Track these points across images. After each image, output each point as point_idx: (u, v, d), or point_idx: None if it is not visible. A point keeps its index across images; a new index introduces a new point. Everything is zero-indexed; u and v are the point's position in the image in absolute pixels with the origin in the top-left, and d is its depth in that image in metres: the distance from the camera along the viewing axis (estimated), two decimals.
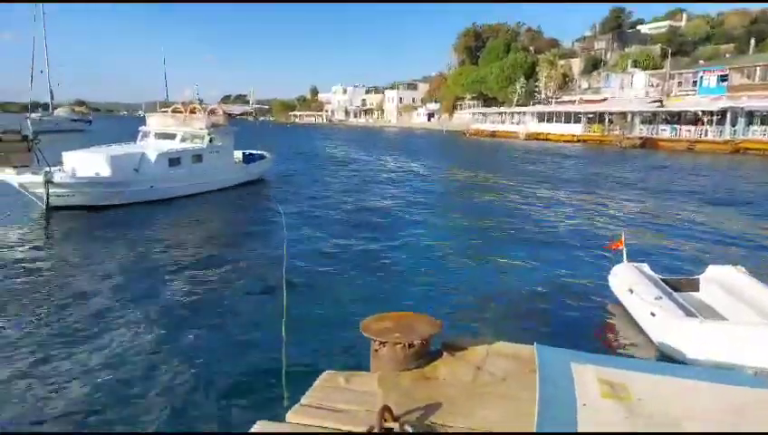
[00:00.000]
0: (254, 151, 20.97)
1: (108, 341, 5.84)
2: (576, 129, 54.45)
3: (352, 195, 17.50)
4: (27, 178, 12.89)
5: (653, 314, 5.75)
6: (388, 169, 26.45)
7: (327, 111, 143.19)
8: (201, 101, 20.37)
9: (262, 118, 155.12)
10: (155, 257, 9.38)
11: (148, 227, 12.27)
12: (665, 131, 45.47)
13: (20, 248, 10.14)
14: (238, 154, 19.82)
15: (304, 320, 6.11)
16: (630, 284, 6.55)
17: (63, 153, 14.63)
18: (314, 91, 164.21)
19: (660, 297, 5.95)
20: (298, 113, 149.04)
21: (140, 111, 19.37)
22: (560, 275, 8.69)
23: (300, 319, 5.80)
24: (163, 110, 19.45)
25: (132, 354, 5.54)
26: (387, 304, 6.39)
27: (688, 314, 5.52)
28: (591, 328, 6.71)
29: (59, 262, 9.19)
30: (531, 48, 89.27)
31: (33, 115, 56.75)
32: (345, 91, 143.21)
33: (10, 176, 12.89)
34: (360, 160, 32.20)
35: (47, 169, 13.08)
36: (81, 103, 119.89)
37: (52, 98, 61.59)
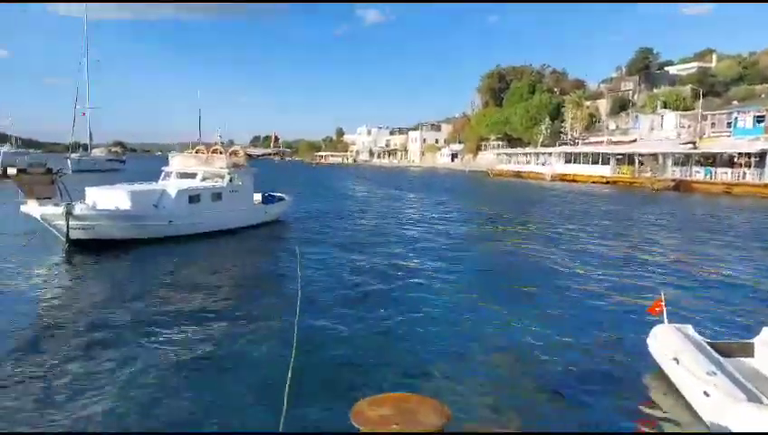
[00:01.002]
0: (273, 193, 21.33)
1: (98, 386, 5.75)
2: (605, 170, 53.05)
3: (371, 237, 16.96)
4: (48, 209, 13.14)
5: (706, 394, 4.95)
6: (409, 211, 25.74)
7: (352, 152, 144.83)
8: (223, 143, 20.80)
9: (288, 158, 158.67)
10: (164, 299, 9.25)
11: (164, 265, 12.29)
12: (699, 173, 43.70)
13: (36, 280, 10.55)
14: (258, 196, 20.06)
15: (310, 382, 5.66)
16: (675, 351, 5.73)
17: (86, 188, 15.07)
18: (340, 133, 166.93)
19: (714, 372, 5.10)
20: (324, 154, 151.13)
21: (173, 152, 19.55)
22: (591, 335, 7.73)
23: (305, 380, 5.50)
24: (188, 151, 19.99)
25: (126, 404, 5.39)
26: (395, 369, 6.42)
27: (749, 395, 4.68)
28: (630, 402, 5.77)
29: (71, 298, 9.47)
30: (556, 89, 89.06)
31: (74, 155, 59.47)
32: (370, 133, 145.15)
33: (33, 208, 13.17)
34: (382, 200, 31.69)
35: (68, 201, 13.35)
36: (119, 144, 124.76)
37: (90, 139, 64.02)
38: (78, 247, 13.29)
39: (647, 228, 19.62)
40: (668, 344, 5.97)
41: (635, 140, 58.23)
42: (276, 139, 27.95)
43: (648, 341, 6.48)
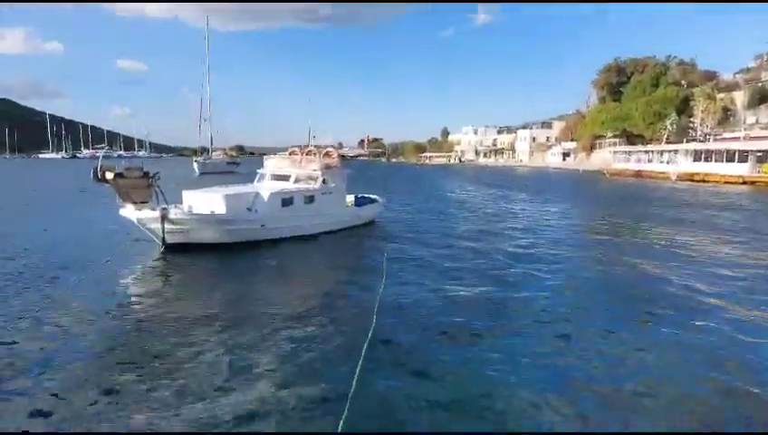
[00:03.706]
0: (366, 194, 20.92)
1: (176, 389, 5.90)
2: (742, 168, 47.67)
3: (471, 246, 15.76)
4: (144, 213, 13.24)
5: None
6: (516, 216, 24.60)
7: (457, 152, 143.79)
8: (334, 146, 20.69)
9: (394, 159, 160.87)
10: (249, 304, 9.28)
11: (253, 270, 12.17)
12: None
13: (129, 282, 10.92)
14: (350, 197, 19.73)
15: (367, 414, 5.43)
16: None
17: (183, 192, 15.17)
18: (445, 133, 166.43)
19: None
20: (429, 154, 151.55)
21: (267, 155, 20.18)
22: (730, 379, 6.41)
23: (363, 411, 5.39)
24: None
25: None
26: (477, 414, 5.51)
27: None
28: None
29: (163, 300, 9.55)
30: (683, 82, 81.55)
31: (198, 159, 65.96)
32: (476, 132, 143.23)
33: (129, 211, 13.34)
34: (486, 203, 30.90)
35: (164, 205, 13.49)
36: (239, 148, 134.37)
37: (211, 143, 70.35)
38: (173, 251, 13.39)
39: None
40: None
41: None
42: (370, 140, 28.01)
43: None
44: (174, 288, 10.66)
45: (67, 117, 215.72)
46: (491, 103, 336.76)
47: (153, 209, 13.31)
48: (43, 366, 6.57)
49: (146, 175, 13.32)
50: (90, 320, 8.36)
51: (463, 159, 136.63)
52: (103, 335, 7.73)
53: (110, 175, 12.72)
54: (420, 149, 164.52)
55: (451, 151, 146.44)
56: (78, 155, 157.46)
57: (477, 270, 12.42)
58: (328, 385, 6.05)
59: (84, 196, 30.11)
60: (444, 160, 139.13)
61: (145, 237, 14.06)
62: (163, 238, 13.47)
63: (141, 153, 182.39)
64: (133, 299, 9.78)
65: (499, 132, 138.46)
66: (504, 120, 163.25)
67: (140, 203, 13.30)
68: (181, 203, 14.85)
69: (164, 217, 13.24)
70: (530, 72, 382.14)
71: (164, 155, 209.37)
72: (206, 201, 14.71)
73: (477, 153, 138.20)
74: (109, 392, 5.89)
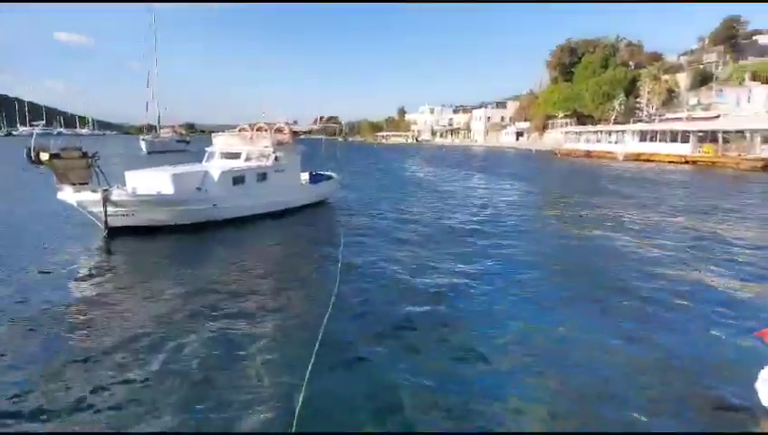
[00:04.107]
0: (321, 171, 20.33)
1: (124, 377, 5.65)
2: (684, 149, 49.82)
3: (428, 223, 15.92)
4: (85, 196, 12.53)
5: None
6: (472, 195, 24.79)
7: (413, 132, 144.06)
8: (287, 123, 19.97)
9: (351, 138, 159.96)
10: (199, 291, 8.84)
11: (204, 252, 11.74)
12: None
13: (71, 269, 10.18)
14: (305, 174, 19.30)
15: (323, 395, 5.38)
16: None
17: (126, 172, 14.32)
18: (402, 112, 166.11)
19: None
20: (386, 133, 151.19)
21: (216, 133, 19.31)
22: (676, 361, 6.33)
23: (318, 394, 5.31)
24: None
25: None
26: (429, 394, 5.45)
27: None
28: None
29: (109, 289, 9.02)
30: (631, 63, 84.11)
31: (146, 137, 63.23)
32: (432, 111, 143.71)
33: (68, 194, 12.56)
34: (442, 182, 31.11)
35: (106, 187, 12.77)
36: (190, 126, 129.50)
37: (159, 121, 67.53)
38: (117, 235, 12.73)
39: (739, 220, 17.35)
40: None
41: (718, 117, 54.24)
42: (325, 120, 27.48)
43: (759, 385, 5.04)
44: (118, 275, 10.07)
45: (3, 92, 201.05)
46: (448, 83, 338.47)
47: (94, 191, 12.61)
48: None
49: (84, 155, 12.56)
50: (26, 314, 7.76)
51: (419, 139, 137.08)
52: (39, 330, 7.17)
53: (44, 156, 11.88)
54: (377, 128, 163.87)
55: (408, 131, 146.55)
56: (14, 133, 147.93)
57: (434, 245, 12.52)
58: (280, 379, 5.81)
59: (25, 176, 28.24)
60: (401, 140, 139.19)
61: (87, 221, 13.30)
62: (105, 222, 12.81)
63: (84, 131, 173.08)
64: (73, 288, 9.17)
65: (455, 112, 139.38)
66: (461, 100, 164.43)
67: (79, 185, 12.56)
68: (124, 184, 14.05)
69: (106, 200, 12.58)
70: (486, 51, 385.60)
71: (108, 132, 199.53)
72: (151, 181, 14.01)
73: (434, 133, 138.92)
74: (48, 386, 5.53)
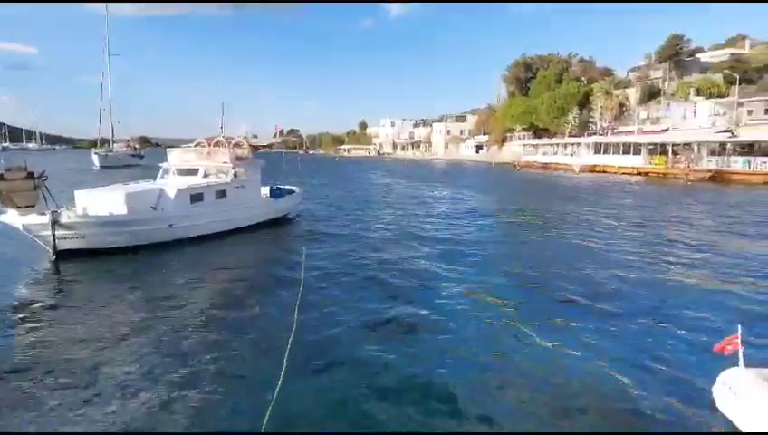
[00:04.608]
0: (281, 186, 19.91)
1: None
2: (636, 160, 51.79)
3: (390, 235, 15.84)
4: (32, 219, 11.74)
5: None
6: (432, 206, 24.87)
7: (375, 145, 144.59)
8: (246, 137, 19.43)
9: (312, 151, 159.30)
10: (159, 318, 8.23)
11: (161, 276, 11.06)
12: (737, 163, 42.32)
13: (17, 297, 9.43)
14: (265, 189, 18.74)
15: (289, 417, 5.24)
16: (758, 407, 4.57)
17: (75, 192, 13.54)
18: (363, 125, 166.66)
19: None
20: (347, 147, 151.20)
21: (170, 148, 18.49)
22: (631, 368, 6.36)
23: (284, 415, 5.20)
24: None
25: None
26: (395, 406, 5.49)
27: None
28: None
29: (60, 323, 8.18)
30: (583, 78, 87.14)
31: (99, 151, 60.77)
32: (393, 125, 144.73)
33: (12, 217, 11.77)
34: (403, 195, 31.11)
35: (54, 209, 11.98)
36: (144, 139, 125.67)
37: (113, 135, 65.15)
38: (67, 258, 11.88)
39: (689, 228, 18.12)
40: (747, 397, 4.72)
41: (667, 130, 56.72)
42: (285, 132, 27.03)
43: (716, 389, 5.17)
44: (64, 302, 9.30)
45: None
46: (409, 97, 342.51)
47: (42, 214, 11.79)
48: None
49: (30, 175, 11.71)
50: None
51: (381, 152, 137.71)
52: None
53: None
54: (339, 141, 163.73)
55: (369, 144, 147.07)
56: None
57: (395, 258, 12.47)
58: (247, 392, 5.79)
59: None
60: (363, 153, 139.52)
61: (33, 245, 12.32)
62: (54, 246, 11.89)
63: (31, 145, 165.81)
64: (18, 319, 8.35)
65: (415, 126, 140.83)
66: (422, 114, 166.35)
67: (26, 208, 11.73)
68: (74, 204, 13.17)
69: (55, 222, 11.73)
70: (446, 65, 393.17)
71: (57, 147, 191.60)
72: (103, 201, 13.20)
73: (395, 146, 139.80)
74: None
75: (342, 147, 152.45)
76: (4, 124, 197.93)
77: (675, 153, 48.62)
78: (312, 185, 34.37)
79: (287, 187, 20.17)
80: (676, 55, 77.19)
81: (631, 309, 8.80)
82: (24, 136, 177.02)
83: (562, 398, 5.75)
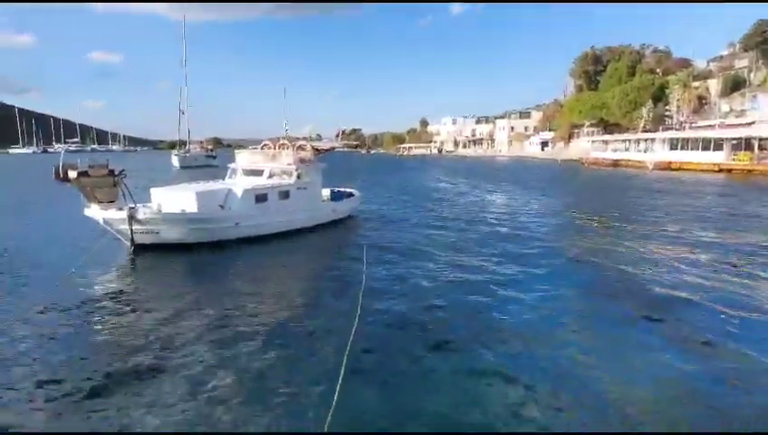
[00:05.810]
0: (342, 188, 20.36)
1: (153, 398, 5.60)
2: (717, 157, 48.32)
3: (452, 240, 15.45)
4: (111, 213, 12.68)
5: None
6: (495, 206, 24.35)
7: (436, 143, 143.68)
8: (311, 138, 19.87)
9: (373, 151, 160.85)
10: (223, 308, 8.83)
11: (227, 271, 11.62)
12: None
13: (99, 287, 10.32)
14: (326, 191, 19.23)
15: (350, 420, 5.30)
16: None
17: (151, 190, 14.55)
18: (424, 123, 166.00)
19: None
20: (408, 145, 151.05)
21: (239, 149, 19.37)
22: (719, 394, 5.88)
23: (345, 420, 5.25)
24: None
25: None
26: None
27: None
28: None
29: (134, 307, 9.05)
30: (658, 70, 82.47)
31: (179, 152, 64.43)
32: (454, 122, 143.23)
33: (95, 211, 12.74)
34: (465, 195, 30.66)
35: (131, 205, 12.87)
36: (216, 140, 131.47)
37: (189, 136, 68.71)
38: (143, 252, 12.86)
39: None
40: None
41: (753, 123, 52.54)
42: (347, 133, 27.37)
43: None
44: (144, 292, 10.12)
45: (38, 110, 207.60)
46: (470, 93, 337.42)
47: (120, 209, 12.74)
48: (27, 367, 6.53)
49: (111, 173, 12.64)
50: (60, 325, 8.07)
51: (442, 150, 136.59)
52: (72, 344, 7.37)
53: (72, 174, 12.01)
54: (399, 139, 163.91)
55: (430, 142, 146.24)
56: (49, 150, 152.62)
57: (457, 264, 12.18)
58: (309, 390, 5.93)
59: (59, 193, 28.80)
60: (423, 151, 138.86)
61: (115, 237, 13.37)
62: (132, 239, 12.92)
63: (115, 147, 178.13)
64: (101, 305, 9.19)
65: (478, 122, 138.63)
66: (483, 110, 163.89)
67: (107, 203, 12.72)
68: (149, 202, 14.21)
69: (132, 218, 12.68)
70: (508, 61, 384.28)
71: (138, 148, 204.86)
72: (176, 199, 14.08)
73: (456, 143, 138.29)
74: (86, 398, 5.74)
75: (403, 145, 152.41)
76: (92, 128, 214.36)
77: (762, 148, 44.98)
78: (372, 183, 34.55)
79: (347, 189, 20.60)
80: (764, 43, 71.40)
81: (711, 325, 8.29)
82: (109, 138, 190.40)
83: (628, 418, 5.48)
